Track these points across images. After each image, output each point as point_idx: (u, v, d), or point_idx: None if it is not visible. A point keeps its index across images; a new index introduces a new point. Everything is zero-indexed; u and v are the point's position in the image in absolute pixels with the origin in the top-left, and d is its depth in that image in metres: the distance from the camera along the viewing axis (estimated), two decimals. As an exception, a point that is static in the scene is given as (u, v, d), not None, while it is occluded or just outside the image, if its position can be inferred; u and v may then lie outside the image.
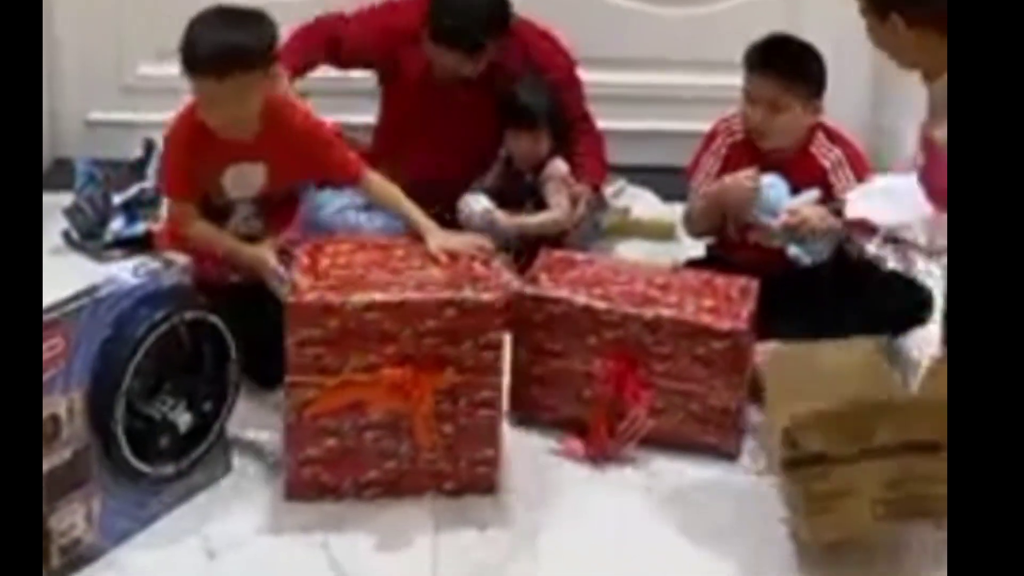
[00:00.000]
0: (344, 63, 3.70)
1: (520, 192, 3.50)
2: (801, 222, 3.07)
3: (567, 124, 3.55)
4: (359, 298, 2.56)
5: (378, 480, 2.66)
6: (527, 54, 3.66)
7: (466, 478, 2.69)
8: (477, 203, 3.45)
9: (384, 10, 3.71)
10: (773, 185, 3.13)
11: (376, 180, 2.96)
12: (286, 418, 2.62)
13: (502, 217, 3.44)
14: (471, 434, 2.66)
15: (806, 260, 3.11)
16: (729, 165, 3.24)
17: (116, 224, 3.62)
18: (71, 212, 3.67)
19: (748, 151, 3.23)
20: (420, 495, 2.66)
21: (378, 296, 2.57)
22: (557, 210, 3.45)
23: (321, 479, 2.65)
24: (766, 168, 3.17)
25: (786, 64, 3.16)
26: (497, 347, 2.63)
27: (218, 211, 2.92)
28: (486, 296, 2.61)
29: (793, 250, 3.10)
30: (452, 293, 2.61)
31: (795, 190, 3.14)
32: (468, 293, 2.61)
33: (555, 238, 3.41)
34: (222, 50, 2.70)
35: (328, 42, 3.63)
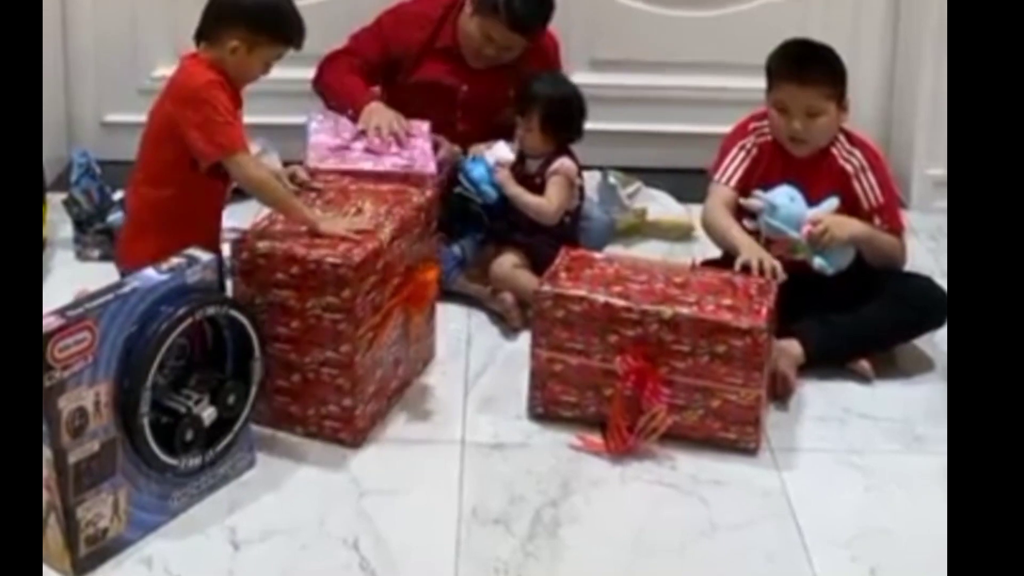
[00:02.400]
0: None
1: (527, 189, 3.49)
2: (824, 231, 3.07)
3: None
4: (385, 234, 2.84)
5: (395, 388, 2.99)
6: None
7: (426, 354, 3.16)
8: (505, 151, 3.49)
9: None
10: (794, 198, 3.12)
11: None
12: (356, 372, 2.77)
13: (505, 175, 3.46)
14: (427, 317, 3.14)
15: (829, 270, 3.10)
16: (760, 165, 3.24)
17: (112, 217, 3.68)
18: (67, 203, 3.74)
19: (777, 153, 3.23)
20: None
21: (390, 227, 2.88)
22: (545, 200, 3.46)
23: (370, 412, 2.87)
24: (792, 171, 3.17)
25: (822, 70, 3.16)
26: (434, 234, 3.15)
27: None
28: (427, 193, 3.10)
29: (818, 262, 3.09)
30: (416, 200, 3.03)
31: (815, 195, 3.14)
32: (416, 197, 3.04)
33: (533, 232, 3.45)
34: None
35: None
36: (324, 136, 3.47)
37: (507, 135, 3.57)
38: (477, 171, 3.47)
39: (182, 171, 2.90)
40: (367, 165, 3.36)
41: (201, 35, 2.95)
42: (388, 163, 3.38)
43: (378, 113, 3.53)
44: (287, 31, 2.96)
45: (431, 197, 3.10)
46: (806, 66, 3.17)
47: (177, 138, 2.86)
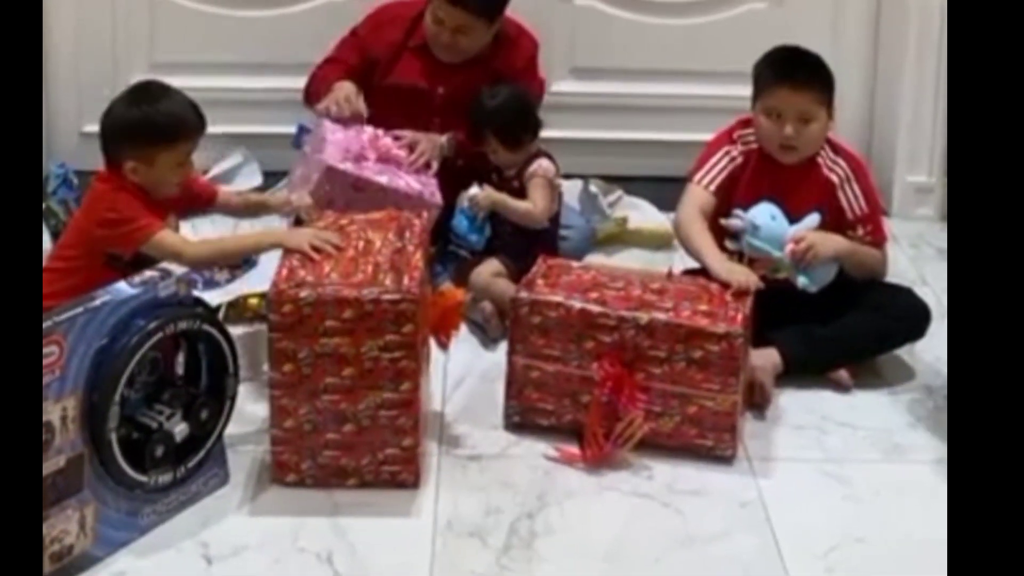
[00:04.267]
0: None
1: (508, 194, 3.48)
2: (807, 249, 3.05)
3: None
4: (417, 258, 2.77)
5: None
6: (499, 28, 3.68)
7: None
8: (476, 189, 3.47)
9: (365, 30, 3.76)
10: (775, 216, 3.09)
11: None
12: (418, 409, 2.68)
13: (481, 193, 3.44)
14: None
15: (812, 288, 3.08)
16: (743, 174, 3.21)
17: None
18: (45, 214, 3.73)
19: (762, 163, 3.20)
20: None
21: (419, 252, 2.80)
22: (531, 205, 3.45)
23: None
24: (778, 181, 3.15)
25: (814, 75, 3.15)
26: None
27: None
28: (424, 215, 3.06)
29: (802, 280, 3.07)
30: (418, 223, 2.95)
31: (800, 205, 3.12)
32: (417, 220, 2.96)
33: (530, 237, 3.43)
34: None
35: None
36: (341, 141, 3.44)
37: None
38: (461, 225, 3.47)
39: (88, 267, 2.85)
40: (382, 179, 3.34)
41: (108, 164, 2.90)
42: (401, 182, 3.37)
43: (340, 89, 3.50)
44: (175, 131, 2.86)
45: (430, 217, 3.12)
46: (799, 70, 3.15)
47: (88, 246, 2.86)
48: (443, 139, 3.60)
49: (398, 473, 2.71)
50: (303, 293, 2.62)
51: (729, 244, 3.12)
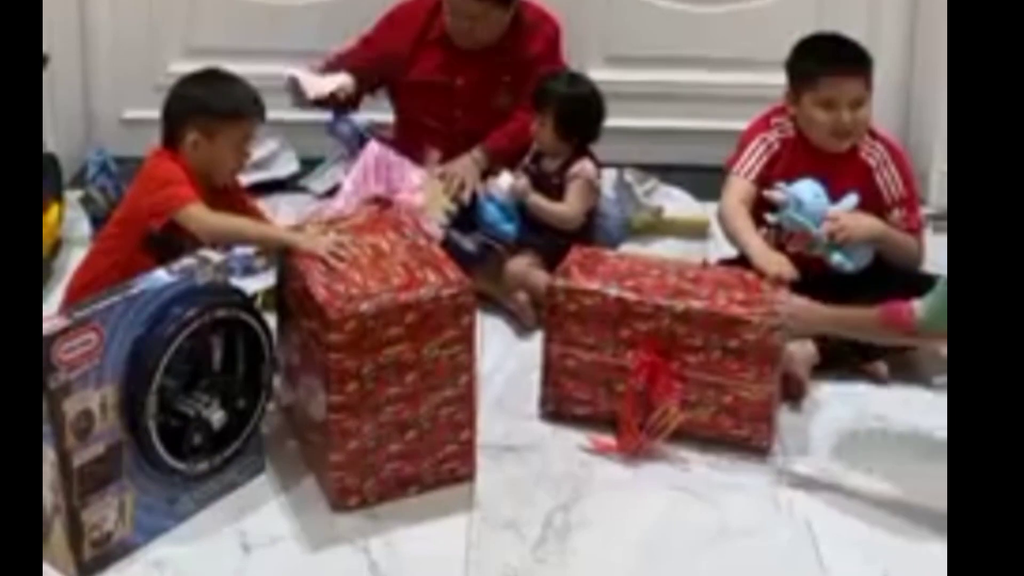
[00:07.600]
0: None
1: (546, 190, 3.48)
2: (840, 229, 3.05)
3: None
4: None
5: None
6: (518, 14, 3.67)
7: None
8: (507, 177, 3.47)
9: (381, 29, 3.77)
10: (818, 194, 3.09)
11: None
12: (474, 399, 2.70)
13: (523, 185, 3.44)
14: None
15: (848, 267, 3.08)
16: (780, 161, 3.21)
17: None
18: (84, 201, 3.77)
19: (800, 149, 3.20)
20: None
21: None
22: (567, 207, 3.45)
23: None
24: (817, 166, 3.15)
25: (859, 57, 3.17)
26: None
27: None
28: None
29: (837, 258, 3.07)
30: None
31: (839, 189, 3.12)
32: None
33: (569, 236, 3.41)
34: None
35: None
36: (369, 179, 3.50)
37: (505, 120, 3.56)
38: (490, 214, 3.46)
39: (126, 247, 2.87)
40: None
41: (166, 141, 2.93)
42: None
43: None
44: (242, 107, 2.93)
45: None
46: (846, 56, 3.17)
47: (130, 221, 2.89)
48: (474, 154, 3.61)
49: (456, 469, 2.70)
50: (363, 306, 2.53)
51: (769, 216, 3.13)
